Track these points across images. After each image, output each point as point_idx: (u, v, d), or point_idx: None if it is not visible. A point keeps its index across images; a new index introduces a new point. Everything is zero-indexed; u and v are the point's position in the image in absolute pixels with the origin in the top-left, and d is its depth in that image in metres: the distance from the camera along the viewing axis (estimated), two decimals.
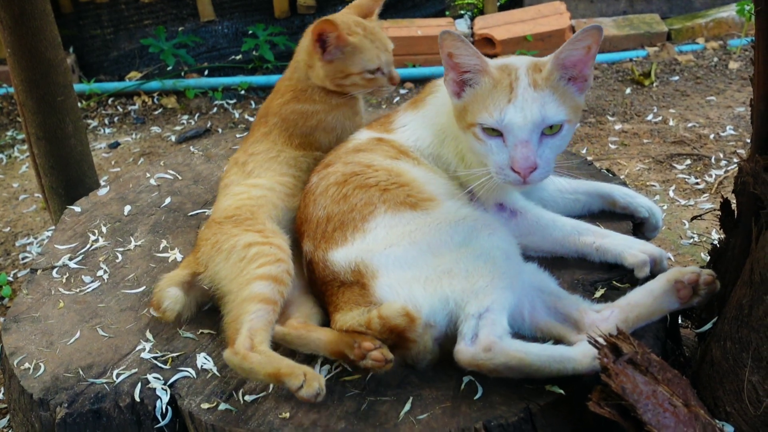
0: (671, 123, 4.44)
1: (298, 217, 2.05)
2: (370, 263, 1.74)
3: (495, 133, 1.80)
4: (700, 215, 2.42)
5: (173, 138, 4.90)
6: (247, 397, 1.69)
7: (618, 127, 4.48)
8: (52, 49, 2.83)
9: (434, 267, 1.72)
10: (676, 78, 5.15)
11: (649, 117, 4.58)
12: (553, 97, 1.78)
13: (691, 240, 3.21)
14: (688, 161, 3.94)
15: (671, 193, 3.64)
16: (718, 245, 2.08)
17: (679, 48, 5.57)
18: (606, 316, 1.76)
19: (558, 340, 1.75)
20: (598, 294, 1.92)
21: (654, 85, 5.06)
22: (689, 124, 4.40)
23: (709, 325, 1.91)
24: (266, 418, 1.62)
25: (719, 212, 2.07)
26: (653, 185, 3.73)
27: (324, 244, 1.85)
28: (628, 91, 5.02)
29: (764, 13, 1.81)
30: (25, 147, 4.84)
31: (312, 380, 1.60)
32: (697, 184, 3.68)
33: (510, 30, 5.58)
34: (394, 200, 1.85)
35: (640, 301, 1.78)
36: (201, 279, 1.92)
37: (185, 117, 5.24)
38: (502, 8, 6.33)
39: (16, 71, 2.86)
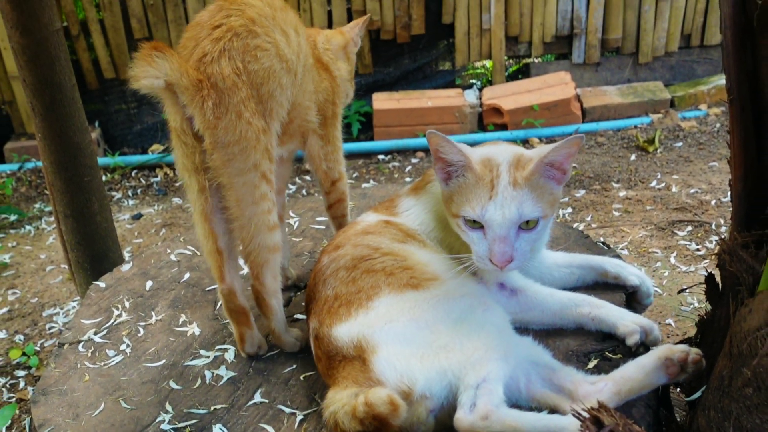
0: (674, 189, 4.55)
1: (307, 295, 2.16)
2: (371, 338, 1.83)
3: (477, 225, 1.93)
4: (685, 289, 2.53)
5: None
6: None
7: (622, 193, 4.58)
8: (79, 133, 2.99)
9: (431, 342, 1.81)
10: (680, 144, 5.27)
11: (653, 183, 4.68)
12: (530, 196, 1.91)
13: (692, 306, 3.30)
14: (690, 228, 4.03)
15: (672, 260, 3.72)
16: (705, 317, 2.16)
17: (683, 114, 5.69)
18: (600, 388, 1.83)
19: (553, 410, 1.82)
20: (591, 364, 1.99)
21: (658, 151, 5.18)
22: (692, 190, 4.51)
23: (698, 394, 1.96)
24: None
25: (705, 285, 2.17)
26: (655, 252, 3.82)
27: (329, 320, 1.95)
28: (632, 157, 5.13)
29: (737, 102, 1.95)
30: (52, 219, 5.01)
31: None
32: (698, 250, 3.77)
33: (517, 100, 5.73)
34: (398, 282, 1.95)
35: (632, 376, 1.85)
36: None
37: None
38: (511, 78, 6.51)
39: (46, 154, 3.01)
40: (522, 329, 2.07)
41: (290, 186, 5.17)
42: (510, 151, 2.02)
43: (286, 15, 2.11)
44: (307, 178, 5.30)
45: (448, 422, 1.78)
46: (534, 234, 1.96)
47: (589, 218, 4.29)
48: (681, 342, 2.11)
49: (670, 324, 3.20)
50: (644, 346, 2.01)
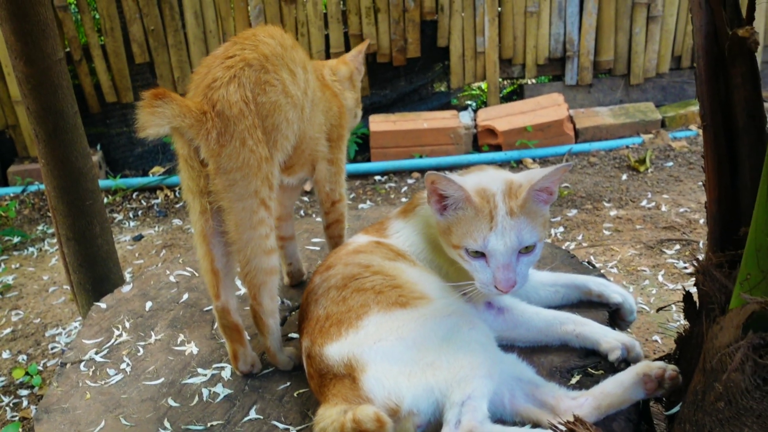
0: (664, 208, 4.62)
1: (299, 315, 2.24)
2: (361, 357, 1.90)
3: (479, 254, 2.02)
4: (664, 307, 2.60)
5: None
6: None
7: (613, 213, 4.66)
8: (81, 158, 3.08)
9: (418, 360, 1.88)
10: (670, 164, 5.34)
11: (643, 202, 4.76)
12: (527, 222, 2.00)
13: (678, 323, 3.36)
14: (678, 246, 4.10)
15: (660, 278, 3.79)
16: (684, 334, 2.22)
17: (673, 135, 5.77)
18: (581, 403, 1.90)
19: (536, 424, 1.88)
20: (573, 380, 2.06)
21: (649, 171, 5.25)
22: (681, 209, 4.58)
23: (676, 408, 2.01)
24: None
25: (683, 303, 2.25)
26: (644, 270, 3.89)
27: (320, 339, 2.01)
28: (624, 177, 5.21)
29: (710, 128, 2.04)
30: (55, 241, 5.08)
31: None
32: (686, 268, 3.84)
33: (511, 121, 5.81)
34: (387, 301, 2.02)
35: (612, 391, 1.93)
36: None
37: None
38: (506, 99, 6.60)
39: (49, 178, 3.09)
40: (508, 346, 2.15)
41: None
42: (501, 179, 2.10)
43: (295, 54, 2.22)
44: (305, 199, 5.38)
45: None
46: (532, 256, 2.05)
47: (580, 237, 4.37)
48: (659, 359, 2.19)
49: (656, 341, 3.27)
50: (626, 362, 2.08)
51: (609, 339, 2.13)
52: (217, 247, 2.12)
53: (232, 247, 2.10)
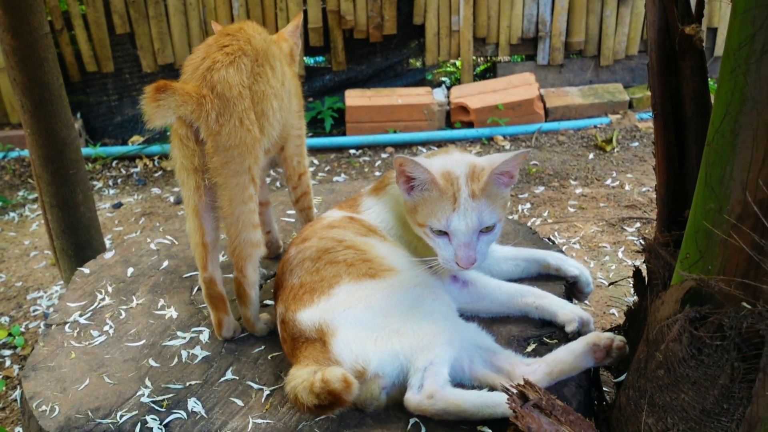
0: (627, 187, 4.74)
1: (275, 283, 2.35)
2: (331, 323, 2.02)
3: (442, 233, 2.14)
4: (616, 281, 2.74)
5: (172, 199, 5.15)
6: None
7: (579, 191, 4.77)
8: (65, 129, 3.16)
9: (385, 326, 2.00)
10: (636, 144, 5.45)
11: (608, 181, 4.88)
12: (487, 204, 2.13)
13: (635, 298, 3.50)
14: (638, 224, 4.22)
15: (620, 254, 3.92)
16: (632, 307, 2.35)
17: (640, 116, 5.88)
18: (534, 369, 2.02)
19: (493, 389, 2.00)
20: (530, 348, 2.19)
21: (615, 150, 5.36)
22: (644, 189, 4.71)
23: (623, 376, 2.12)
24: None
25: (633, 279, 2.38)
26: (605, 246, 4.01)
27: (294, 305, 2.12)
28: (591, 156, 5.31)
29: (661, 116, 2.16)
30: (35, 206, 5.12)
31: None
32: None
33: (483, 99, 5.89)
34: (357, 272, 2.13)
35: (563, 359, 2.05)
36: None
37: None
38: (480, 77, 6.69)
39: (34, 147, 3.16)
40: (470, 317, 2.26)
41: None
42: (465, 162, 2.21)
43: (275, 49, 2.36)
44: (280, 169, 5.46)
45: (398, 399, 1.97)
46: (491, 236, 2.17)
47: (545, 214, 4.49)
48: (609, 330, 2.32)
49: (613, 314, 3.41)
50: (580, 334, 2.18)
51: (566, 312, 2.25)
52: (208, 222, 2.23)
53: (225, 221, 2.21)
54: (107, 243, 4.05)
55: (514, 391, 1.84)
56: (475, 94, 6.01)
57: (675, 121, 2.15)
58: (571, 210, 4.53)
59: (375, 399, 1.97)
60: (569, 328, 2.23)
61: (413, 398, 1.90)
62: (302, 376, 1.94)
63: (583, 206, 4.56)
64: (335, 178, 5.35)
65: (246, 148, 2.16)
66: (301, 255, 2.27)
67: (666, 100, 2.14)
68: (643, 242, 2.21)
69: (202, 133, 2.11)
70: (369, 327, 2.01)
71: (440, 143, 5.78)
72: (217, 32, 2.30)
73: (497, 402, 1.88)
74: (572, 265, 2.53)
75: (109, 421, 2.02)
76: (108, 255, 2.90)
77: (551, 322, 2.30)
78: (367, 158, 5.74)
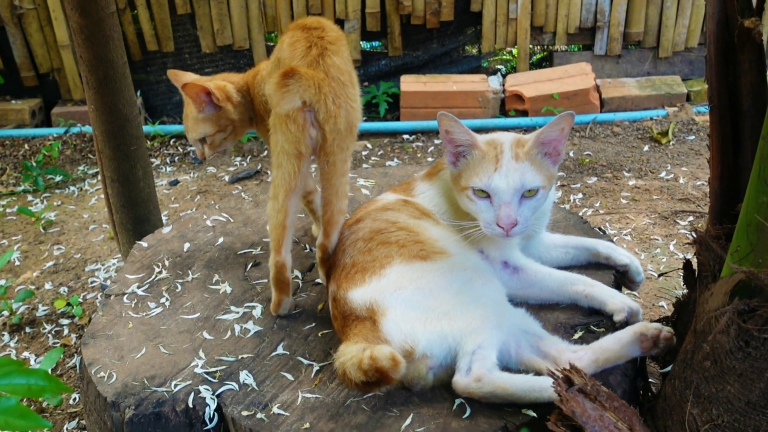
0: (681, 181, 4.70)
1: (330, 263, 2.39)
2: (382, 302, 2.06)
3: (484, 194, 2.17)
4: (665, 273, 2.73)
5: (226, 178, 5.22)
6: (278, 410, 1.97)
7: (632, 182, 4.74)
8: (128, 106, 3.22)
9: (435, 308, 2.03)
10: (692, 137, 5.39)
11: (662, 174, 4.83)
12: (530, 168, 2.16)
13: (685, 290, 3.48)
14: (691, 218, 4.19)
15: (671, 247, 3.89)
16: (682, 299, 2.35)
17: (697, 109, 5.79)
18: (580, 356, 2.04)
19: (539, 373, 2.02)
20: (576, 336, 2.21)
21: (670, 143, 5.30)
22: (698, 182, 4.65)
23: (669, 367, 2.14)
24: (292, 427, 1.91)
25: (683, 270, 2.38)
26: (656, 239, 3.98)
27: (346, 284, 2.17)
28: (645, 148, 5.26)
29: (717, 109, 2.15)
30: (95, 181, 5.24)
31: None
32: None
33: (538, 88, 5.87)
34: (409, 254, 2.17)
35: (610, 347, 2.07)
36: None
37: (238, 159, 5.57)
38: (535, 66, 6.65)
39: (97, 123, 3.24)
40: (519, 303, 2.27)
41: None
42: (511, 136, 2.27)
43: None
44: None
45: (444, 379, 2.00)
46: (534, 201, 2.19)
47: (597, 204, 4.47)
48: (657, 321, 2.34)
49: (662, 306, 3.39)
50: (628, 324, 2.18)
51: (616, 301, 2.26)
52: (294, 205, 2.30)
53: (325, 192, 2.31)
54: (164, 218, 4.13)
55: (560, 375, 1.86)
56: (530, 83, 5.99)
57: (731, 114, 2.15)
58: (624, 201, 4.51)
59: (422, 378, 2.01)
60: (618, 318, 2.24)
61: (461, 381, 1.94)
62: (351, 353, 1.98)
63: (636, 198, 4.53)
64: (388, 163, 5.39)
65: (352, 129, 2.28)
66: (354, 236, 2.31)
67: (723, 93, 2.13)
68: (694, 234, 2.21)
69: (321, 115, 2.19)
70: (419, 308, 2.05)
71: (494, 131, 5.75)
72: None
73: (543, 386, 1.90)
74: (622, 254, 2.53)
75: (164, 389, 2.09)
76: (165, 230, 2.99)
77: (600, 310, 2.30)
78: (420, 144, 5.76)
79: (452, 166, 2.28)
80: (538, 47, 6.77)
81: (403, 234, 2.25)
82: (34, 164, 5.49)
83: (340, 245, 2.34)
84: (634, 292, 2.57)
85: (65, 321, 3.65)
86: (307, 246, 2.78)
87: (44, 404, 3.08)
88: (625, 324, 2.20)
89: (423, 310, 2.04)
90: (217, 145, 2.69)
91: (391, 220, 2.32)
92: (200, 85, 2.57)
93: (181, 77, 2.68)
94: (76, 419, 3.03)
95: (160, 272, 2.69)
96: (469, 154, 2.23)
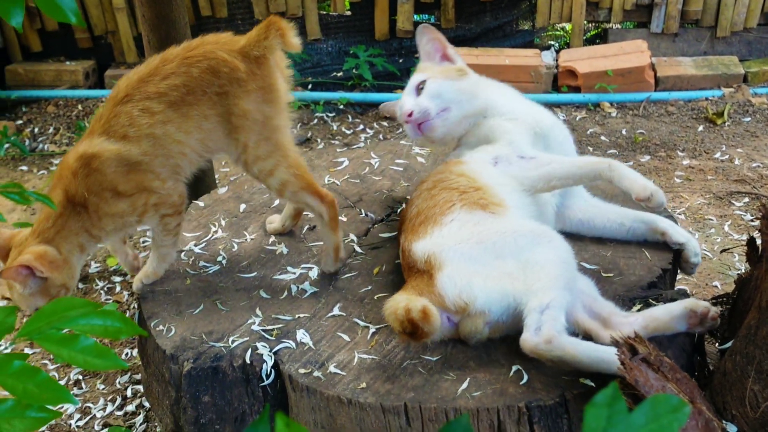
0: (737, 162, 4.64)
1: (400, 217, 2.46)
2: (440, 256, 2.07)
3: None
4: (728, 248, 2.71)
5: None
6: (334, 369, 1.99)
7: (686, 162, 4.69)
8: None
9: (496, 267, 2.02)
10: (748, 119, 5.32)
11: (717, 155, 4.78)
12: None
13: (739, 271, 3.46)
14: (747, 199, 4.14)
15: (726, 228, 3.85)
16: (743, 276, 2.33)
17: (754, 90, 5.70)
18: (630, 321, 2.05)
19: (587, 333, 2.04)
20: (635, 309, 2.17)
21: (726, 124, 5.23)
22: (754, 164, 4.60)
23: (729, 344, 2.14)
24: (349, 386, 1.92)
25: (746, 247, 2.37)
26: (711, 219, 3.95)
27: (411, 236, 2.21)
28: (700, 128, 5.20)
29: None
30: None
31: None
32: (752, 221, 3.88)
33: (592, 64, 5.81)
34: (469, 200, 2.20)
35: (660, 317, 2.08)
36: None
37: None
38: (588, 42, 6.59)
39: None
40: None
41: (368, 131, 5.39)
42: None
43: None
44: (385, 123, 5.52)
45: (497, 334, 2.04)
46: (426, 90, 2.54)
47: None
48: (715, 298, 2.33)
49: (716, 286, 3.37)
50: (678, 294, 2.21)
51: (639, 184, 2.22)
52: None
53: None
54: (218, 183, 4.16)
55: (624, 343, 1.86)
56: (584, 59, 5.92)
57: None
58: (678, 181, 4.45)
59: (478, 333, 2.03)
60: (635, 196, 2.21)
61: (531, 339, 1.90)
62: (395, 300, 2.01)
63: (690, 178, 4.47)
64: None
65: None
66: (420, 188, 2.40)
67: None
68: (762, 209, 2.18)
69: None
70: (479, 264, 2.05)
71: (546, 106, 5.73)
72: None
73: (613, 359, 1.86)
74: (679, 232, 2.49)
75: (222, 344, 2.13)
76: (222, 190, 3.02)
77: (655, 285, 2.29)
78: None
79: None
80: (592, 23, 6.68)
81: (463, 180, 2.29)
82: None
83: (411, 201, 2.39)
84: (691, 274, 2.54)
85: (117, 278, 3.71)
86: (362, 210, 2.78)
87: None
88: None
89: (483, 266, 2.05)
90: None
91: (453, 171, 2.37)
92: (17, 267, 2.17)
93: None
94: (128, 374, 3.08)
95: (217, 231, 2.71)
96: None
